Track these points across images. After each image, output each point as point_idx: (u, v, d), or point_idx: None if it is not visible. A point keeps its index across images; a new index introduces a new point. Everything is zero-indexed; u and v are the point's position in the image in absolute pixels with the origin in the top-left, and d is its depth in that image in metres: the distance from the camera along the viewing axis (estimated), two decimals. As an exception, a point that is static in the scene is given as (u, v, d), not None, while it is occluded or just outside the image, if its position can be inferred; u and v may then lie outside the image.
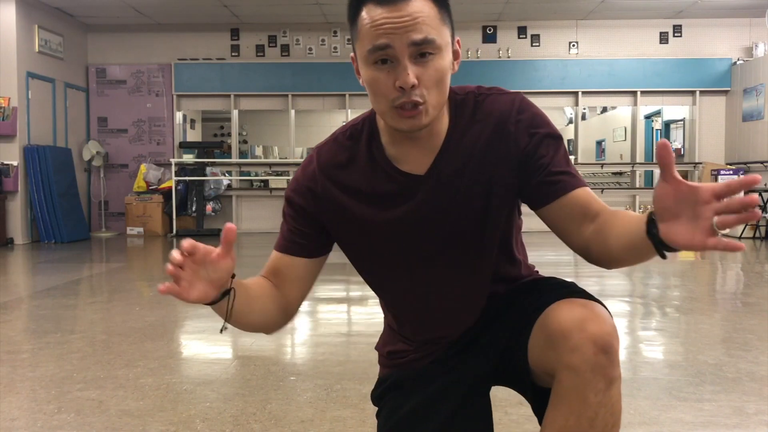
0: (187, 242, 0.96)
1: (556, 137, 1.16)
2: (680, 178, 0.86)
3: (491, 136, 1.15)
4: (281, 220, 1.27)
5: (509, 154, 1.14)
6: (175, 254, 0.96)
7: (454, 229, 1.18)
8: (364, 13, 1.07)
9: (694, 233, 0.85)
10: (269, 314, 1.20)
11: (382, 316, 1.41)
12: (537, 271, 1.34)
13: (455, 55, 1.12)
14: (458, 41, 1.13)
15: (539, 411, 1.22)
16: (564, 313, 1.06)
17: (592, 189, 1.15)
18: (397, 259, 1.21)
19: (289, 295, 1.23)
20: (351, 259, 1.28)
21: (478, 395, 1.25)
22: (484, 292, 1.23)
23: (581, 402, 1.02)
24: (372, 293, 1.35)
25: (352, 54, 1.15)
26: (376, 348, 1.41)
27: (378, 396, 1.33)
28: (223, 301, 1.06)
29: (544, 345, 1.08)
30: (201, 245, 0.98)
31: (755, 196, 0.82)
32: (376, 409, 1.35)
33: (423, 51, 1.05)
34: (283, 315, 1.23)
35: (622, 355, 2.98)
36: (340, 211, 1.20)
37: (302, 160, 9.88)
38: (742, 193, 0.83)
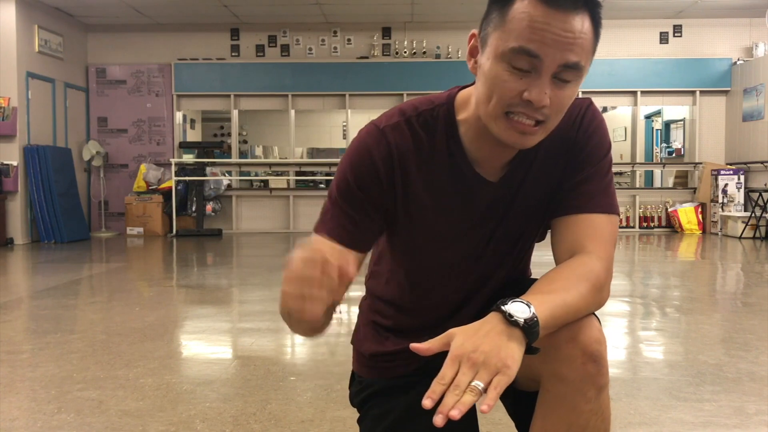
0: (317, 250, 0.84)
1: (604, 155, 1.13)
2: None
3: (559, 146, 1.12)
4: (325, 206, 1.12)
5: (569, 163, 1.12)
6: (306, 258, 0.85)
7: (514, 229, 1.16)
8: (523, 4, 0.95)
9: None
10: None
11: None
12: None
13: None
14: None
15: (516, 413, 1.20)
16: None
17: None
18: (447, 252, 1.17)
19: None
20: (393, 243, 1.20)
21: None
22: (501, 286, 1.20)
23: (571, 411, 1.00)
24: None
25: (475, 30, 1.04)
26: (353, 343, 1.32)
27: (360, 401, 1.28)
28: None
29: None
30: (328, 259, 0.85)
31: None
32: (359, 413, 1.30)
33: (567, 76, 0.97)
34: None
35: (622, 355, 2.98)
36: (410, 200, 1.11)
37: (302, 160, 9.74)
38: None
